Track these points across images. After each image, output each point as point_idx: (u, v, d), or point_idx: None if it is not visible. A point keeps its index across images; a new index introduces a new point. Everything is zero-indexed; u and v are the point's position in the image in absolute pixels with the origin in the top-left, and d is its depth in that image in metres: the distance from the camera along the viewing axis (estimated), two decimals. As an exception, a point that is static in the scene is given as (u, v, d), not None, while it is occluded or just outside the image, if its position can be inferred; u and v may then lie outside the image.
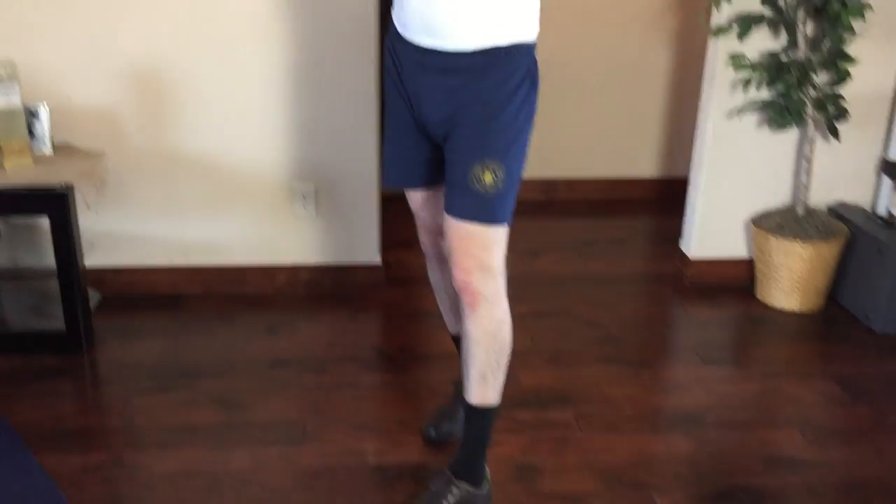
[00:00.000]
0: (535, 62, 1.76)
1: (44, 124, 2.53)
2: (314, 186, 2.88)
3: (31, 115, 2.50)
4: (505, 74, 1.71)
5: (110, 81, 2.69)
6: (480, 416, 1.89)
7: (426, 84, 1.76)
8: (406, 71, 1.80)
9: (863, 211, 3.00)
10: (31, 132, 2.51)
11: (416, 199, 2.00)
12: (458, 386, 2.07)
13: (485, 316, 1.79)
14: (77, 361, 2.52)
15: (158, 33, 2.65)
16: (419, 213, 2.02)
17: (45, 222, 2.58)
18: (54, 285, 2.55)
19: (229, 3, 2.64)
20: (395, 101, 1.88)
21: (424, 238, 2.06)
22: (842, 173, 3.03)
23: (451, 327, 2.17)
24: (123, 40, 2.65)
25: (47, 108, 2.52)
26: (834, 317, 2.92)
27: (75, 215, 2.46)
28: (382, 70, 1.98)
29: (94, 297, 2.78)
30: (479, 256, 1.75)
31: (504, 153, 1.73)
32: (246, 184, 2.85)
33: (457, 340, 2.13)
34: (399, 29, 1.79)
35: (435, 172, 1.88)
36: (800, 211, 2.94)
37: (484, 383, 1.85)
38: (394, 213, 3.30)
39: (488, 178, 1.71)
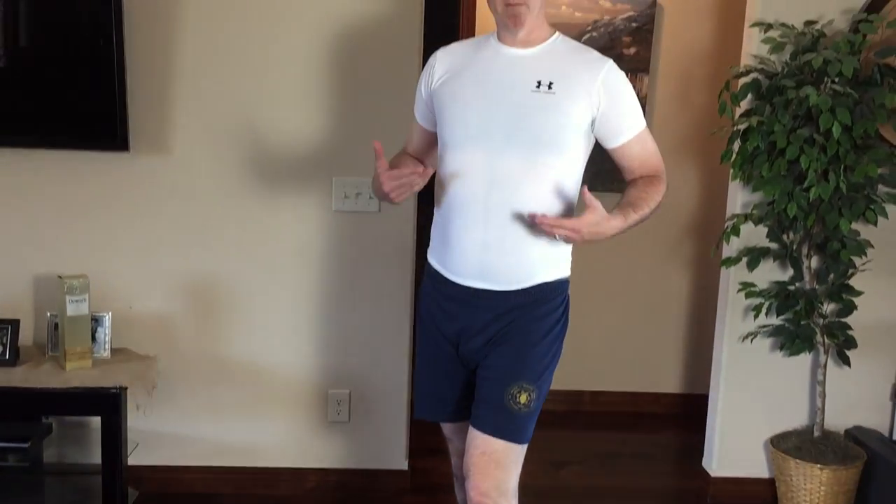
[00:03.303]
0: (568, 294, 1.96)
1: (105, 330, 2.78)
2: (348, 394, 3.04)
3: (96, 321, 2.76)
4: (550, 307, 1.90)
5: (168, 294, 2.95)
6: None
7: (477, 321, 1.91)
8: (452, 312, 1.94)
9: (880, 436, 3.05)
10: (93, 337, 2.75)
11: (449, 427, 2.14)
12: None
13: None
14: (110, 559, 2.61)
15: (213, 253, 2.94)
16: (452, 437, 2.15)
17: (95, 420, 2.76)
18: (96, 481, 2.68)
19: (276, 227, 2.94)
20: (433, 342, 2.01)
21: (456, 460, 2.17)
22: (857, 398, 3.12)
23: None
24: (181, 259, 2.93)
25: (110, 317, 2.78)
26: (856, 542, 2.92)
27: (125, 416, 2.64)
28: (417, 291, 2.18)
29: (132, 494, 2.90)
30: (498, 477, 1.84)
31: (539, 376, 1.88)
32: (284, 389, 3.03)
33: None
34: (444, 273, 1.95)
35: (467, 408, 1.98)
36: (817, 434, 3.01)
37: None
38: (422, 422, 3.42)
39: (524, 398, 1.85)
